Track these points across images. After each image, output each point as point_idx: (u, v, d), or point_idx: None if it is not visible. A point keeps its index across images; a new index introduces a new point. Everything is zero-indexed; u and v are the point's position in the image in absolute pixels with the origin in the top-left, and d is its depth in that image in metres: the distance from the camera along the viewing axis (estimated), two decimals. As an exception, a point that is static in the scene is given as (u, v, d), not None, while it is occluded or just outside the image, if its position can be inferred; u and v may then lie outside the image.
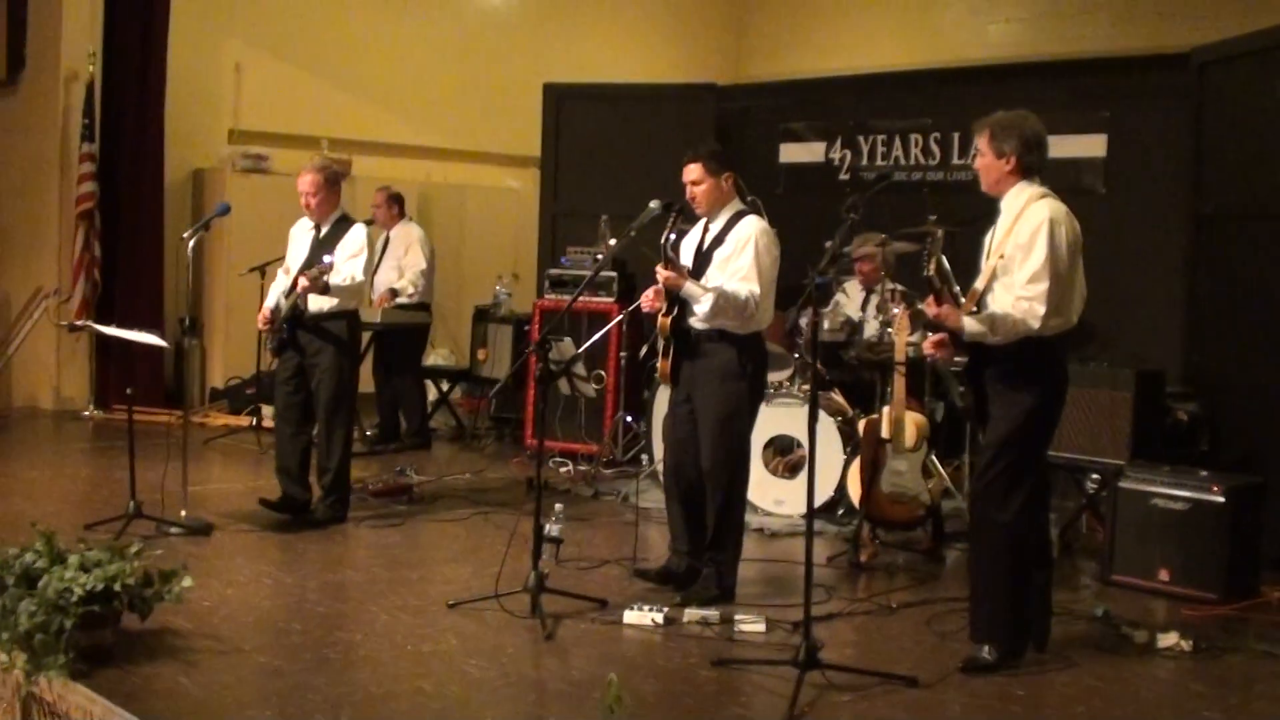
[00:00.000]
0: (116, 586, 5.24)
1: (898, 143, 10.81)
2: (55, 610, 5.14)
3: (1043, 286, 5.43)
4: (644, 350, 8.94)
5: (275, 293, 8.08)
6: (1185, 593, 6.85)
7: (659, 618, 6.09)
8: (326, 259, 7.67)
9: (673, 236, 6.43)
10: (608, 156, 11.18)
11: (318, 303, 7.78)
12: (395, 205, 11.07)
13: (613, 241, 6.84)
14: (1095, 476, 7.99)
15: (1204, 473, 7.03)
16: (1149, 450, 7.60)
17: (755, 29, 14.95)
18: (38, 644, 5.11)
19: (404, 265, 10.91)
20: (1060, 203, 5.60)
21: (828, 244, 5.59)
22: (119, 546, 5.53)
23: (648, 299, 6.64)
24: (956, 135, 10.52)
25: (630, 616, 6.11)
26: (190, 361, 12.23)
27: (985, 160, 5.70)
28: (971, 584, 5.86)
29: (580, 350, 6.97)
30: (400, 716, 4.87)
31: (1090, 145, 9.70)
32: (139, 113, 11.90)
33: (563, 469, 9.86)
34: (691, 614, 6.15)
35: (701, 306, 6.37)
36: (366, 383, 11.19)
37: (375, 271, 10.94)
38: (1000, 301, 5.55)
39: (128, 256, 11.93)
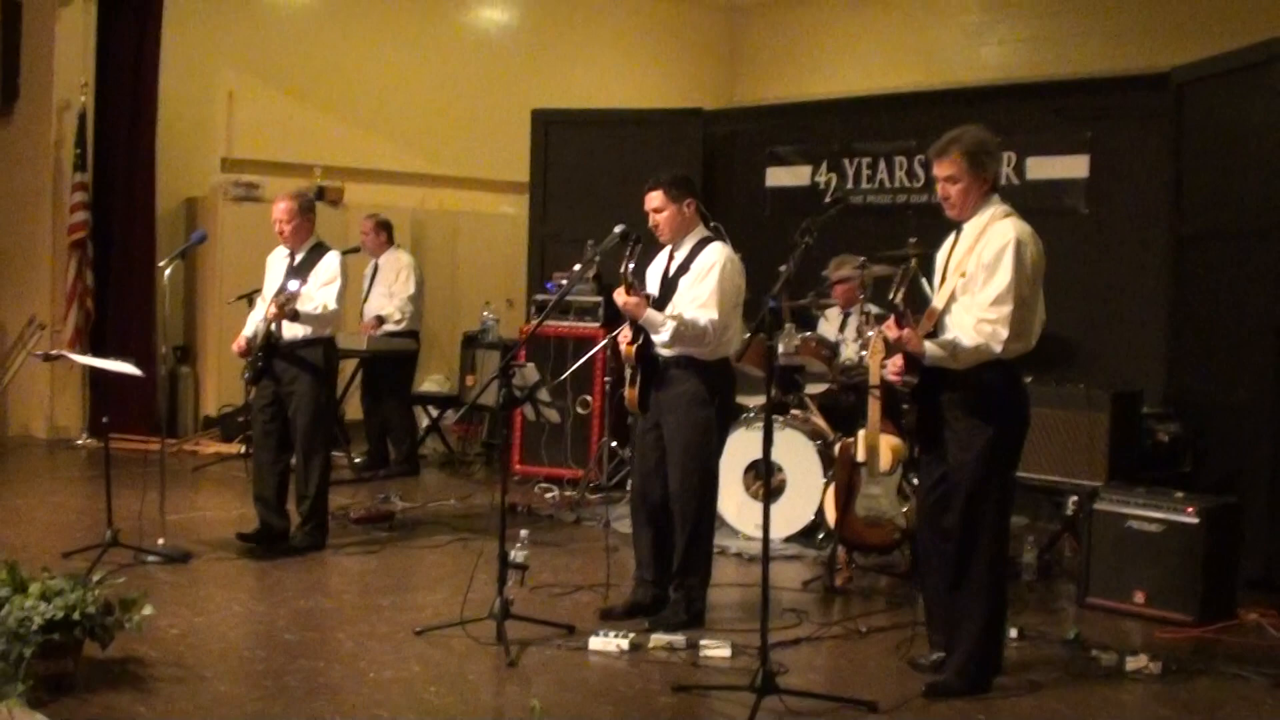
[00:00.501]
0: (76, 615, 5.25)
1: (882, 165, 10.79)
2: (15, 639, 5.15)
3: (1007, 309, 5.39)
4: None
5: (252, 321, 8.09)
6: (1160, 615, 6.83)
7: (624, 644, 6.07)
8: (292, 285, 7.68)
9: (632, 265, 6.42)
10: (595, 182, 11.21)
11: (292, 330, 7.78)
12: (384, 232, 11.10)
13: (577, 267, 6.86)
14: (1074, 498, 7.96)
15: (1179, 494, 7.01)
16: (1127, 472, 7.59)
17: (747, 53, 14.98)
18: (-3, 672, 5.13)
19: (394, 291, 10.92)
20: (1024, 221, 5.56)
21: (781, 268, 5.56)
22: (80, 575, 5.55)
23: (625, 339, 6.64)
24: (939, 158, 10.50)
25: (595, 643, 6.09)
26: (184, 389, 12.31)
27: (963, 183, 5.57)
28: (929, 608, 5.84)
29: (543, 376, 6.95)
30: (353, 744, 4.87)
31: (1073, 166, 9.68)
32: (131, 142, 11.96)
33: (548, 494, 9.85)
34: (657, 639, 6.14)
35: (662, 335, 6.37)
36: (356, 410, 11.26)
37: (365, 299, 10.97)
38: (959, 321, 5.50)
39: (120, 285, 11.98)
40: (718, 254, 6.49)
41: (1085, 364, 9.04)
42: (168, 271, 7.88)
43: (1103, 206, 9.58)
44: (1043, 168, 9.78)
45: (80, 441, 11.77)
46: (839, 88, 12.62)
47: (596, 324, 10.13)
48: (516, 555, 6.27)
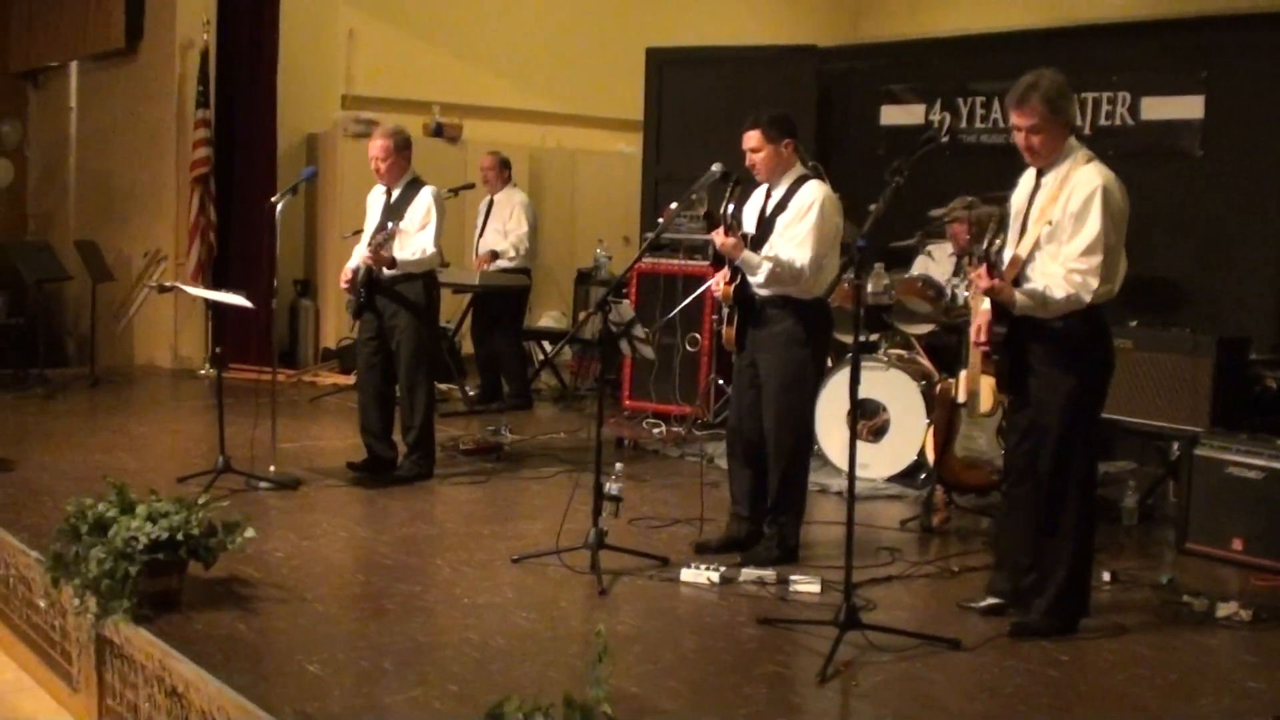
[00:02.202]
0: (180, 536, 5.44)
1: (996, 105, 10.67)
2: (121, 557, 5.36)
3: (1098, 259, 5.35)
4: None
5: (357, 254, 8.20)
6: (1258, 562, 6.75)
7: (715, 576, 6.16)
8: (390, 225, 7.81)
9: (731, 206, 6.46)
10: (709, 120, 11.20)
11: (389, 270, 7.90)
12: (505, 170, 11.19)
13: (673, 205, 6.89)
14: (1177, 444, 7.88)
15: (1280, 441, 6.92)
16: (1232, 418, 7.49)
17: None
18: (105, 589, 5.34)
19: (509, 229, 11.04)
20: (1107, 167, 5.51)
21: (871, 207, 5.56)
22: (187, 498, 5.75)
23: (723, 278, 6.68)
24: (1053, 97, 10.36)
25: (687, 574, 6.19)
26: (304, 322, 12.58)
27: (1047, 133, 5.49)
28: (1012, 551, 5.84)
29: (653, 313, 7.02)
30: (441, 664, 5.00)
31: (1188, 107, 9.50)
32: (252, 79, 12.20)
33: (655, 430, 9.95)
34: (748, 574, 6.22)
35: (758, 276, 6.41)
36: (469, 344, 11.44)
37: (480, 234, 11.08)
38: (1045, 270, 5.46)
39: (241, 220, 12.25)
40: (815, 192, 6.50)
41: (1195, 309, 8.91)
42: (280, 206, 8.03)
43: (1217, 149, 9.40)
44: (1157, 108, 9.61)
45: (203, 371, 12.09)
46: (956, 25, 12.46)
47: (706, 262, 10.15)
48: (611, 487, 6.37)
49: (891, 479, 8.48)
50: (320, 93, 12.84)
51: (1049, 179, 5.56)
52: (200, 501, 5.71)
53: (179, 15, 11.99)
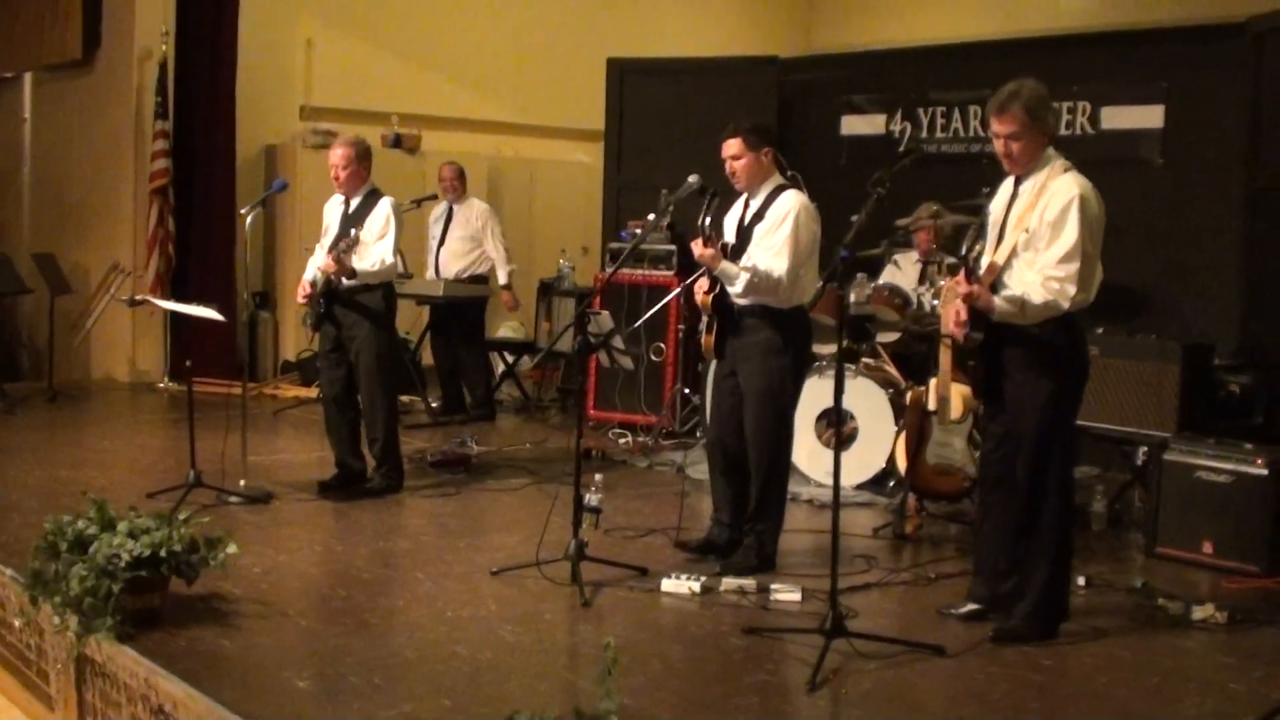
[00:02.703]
0: (163, 552, 5.41)
1: (957, 114, 10.77)
2: (104, 575, 5.31)
3: (1074, 266, 5.41)
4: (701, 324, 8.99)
5: (313, 266, 8.15)
6: (1228, 565, 6.83)
7: (696, 586, 6.18)
8: (352, 232, 7.78)
9: (708, 218, 6.50)
10: (670, 130, 11.25)
11: (349, 279, 7.88)
12: (463, 180, 11.17)
13: (651, 216, 6.92)
14: (1144, 449, 7.98)
15: (1248, 445, 6.99)
16: (1198, 423, 7.59)
17: (820, 0, 14.91)
18: (87, 607, 5.29)
19: (487, 243, 10.97)
20: (1082, 175, 5.57)
21: (853, 218, 5.61)
22: (167, 514, 5.71)
23: (701, 288, 6.71)
24: (1015, 107, 10.46)
25: (668, 585, 6.20)
26: (263, 334, 12.51)
27: (1026, 140, 5.53)
28: (990, 557, 5.89)
29: (618, 323, 7.03)
30: (432, 679, 4.99)
31: (1148, 116, 9.62)
32: (211, 90, 12.15)
33: (621, 440, 9.98)
34: (728, 583, 6.24)
35: (736, 286, 6.44)
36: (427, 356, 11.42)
37: (441, 244, 11.03)
38: (1022, 278, 5.51)
39: (200, 232, 12.20)
40: (792, 202, 6.53)
41: (1157, 315, 9.02)
42: (250, 219, 8.00)
43: (1177, 158, 9.52)
44: (1117, 118, 9.73)
45: (161, 385, 12.02)
46: (913, 36, 12.56)
47: (670, 272, 10.20)
48: (591, 499, 6.39)
49: (860, 486, 8.53)
50: (278, 104, 12.80)
51: (1026, 187, 5.61)
52: (181, 517, 5.68)
53: (138, 25, 11.92)
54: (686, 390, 10.07)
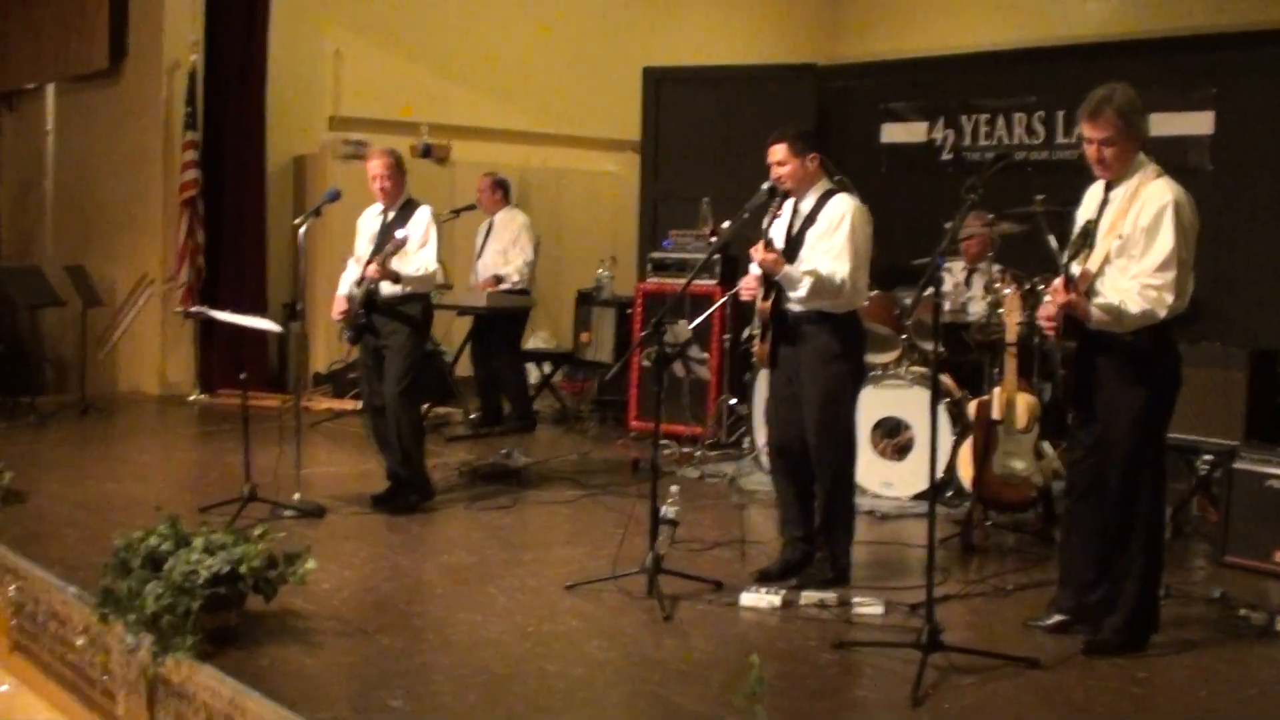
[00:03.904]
0: (242, 569, 5.32)
1: (1001, 122, 10.72)
2: (181, 593, 5.22)
3: (1171, 275, 5.34)
4: (746, 333, 8.89)
5: (346, 281, 8.07)
6: (1300, 575, 6.78)
7: (776, 600, 6.09)
8: (400, 233, 7.69)
9: (774, 221, 6.39)
10: (707, 139, 11.18)
11: (389, 289, 7.80)
12: (499, 191, 11.12)
13: (726, 225, 6.81)
14: (1208, 457, 7.90)
15: (1320, 453, 6.94)
16: (1263, 431, 7.52)
17: (849, 7, 14.82)
18: (165, 625, 5.20)
19: (510, 253, 10.93)
20: (1176, 182, 5.50)
21: (947, 225, 5.53)
22: (243, 529, 5.62)
23: (748, 288, 6.61)
24: (1060, 114, 10.42)
25: (747, 599, 6.12)
26: (293, 346, 12.39)
27: (1119, 145, 5.46)
28: (1077, 568, 5.81)
29: (693, 332, 6.96)
30: (526, 697, 4.91)
31: (1197, 122, 9.57)
32: (241, 100, 12.05)
33: (666, 451, 9.88)
34: (808, 597, 6.15)
35: (799, 291, 6.32)
36: (466, 367, 11.33)
37: (479, 256, 10.99)
38: (1115, 284, 5.43)
39: (231, 243, 12.10)
40: (846, 205, 6.44)
41: (1211, 322, 8.89)
42: (302, 230, 7.92)
43: (1228, 164, 9.46)
44: (1166, 124, 9.62)
45: (192, 398, 11.91)
46: (954, 42, 12.47)
47: (713, 281, 10.11)
48: (668, 511, 6.30)
49: (918, 496, 8.44)
50: (307, 114, 12.69)
51: (1118, 193, 5.53)
52: (257, 533, 5.59)
53: (166, 36, 11.81)
54: (734, 401, 9.97)
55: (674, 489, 6.52)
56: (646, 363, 10.32)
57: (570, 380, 12.41)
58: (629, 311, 10.81)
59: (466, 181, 11.92)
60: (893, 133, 11.30)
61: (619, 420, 11.08)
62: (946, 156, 11.09)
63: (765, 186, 6.51)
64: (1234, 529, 7.06)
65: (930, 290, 5.47)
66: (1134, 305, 5.35)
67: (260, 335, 11.34)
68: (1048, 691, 5.15)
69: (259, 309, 11.37)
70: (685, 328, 6.64)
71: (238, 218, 12.10)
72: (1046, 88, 10.54)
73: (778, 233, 6.62)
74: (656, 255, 10.53)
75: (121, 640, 5.48)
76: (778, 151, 6.52)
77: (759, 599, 6.11)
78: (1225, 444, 7.38)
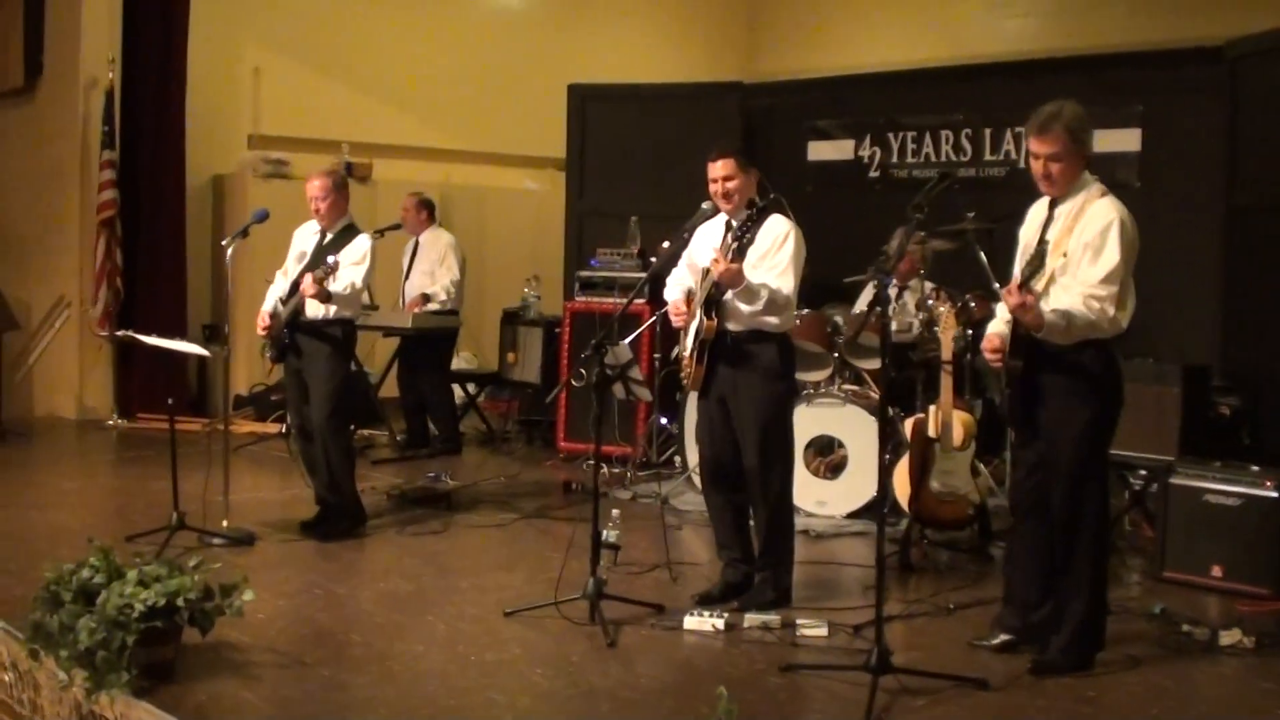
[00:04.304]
0: (180, 601, 5.18)
1: (928, 139, 10.75)
2: (116, 626, 5.07)
3: (1115, 288, 5.35)
4: (675, 353, 8.83)
5: (272, 297, 7.95)
6: (1238, 588, 6.81)
7: (719, 624, 6.04)
8: (331, 259, 7.56)
9: (732, 242, 6.29)
10: (633, 157, 11.12)
11: (316, 309, 7.66)
12: (425, 210, 11.01)
13: (665, 245, 6.73)
14: (1142, 473, 7.96)
15: (1255, 468, 6.99)
16: (1196, 446, 7.58)
17: (773, 25, 14.82)
18: (100, 661, 5.04)
19: (437, 273, 10.84)
20: (1120, 201, 5.52)
21: (889, 244, 5.51)
22: (175, 560, 5.49)
23: (679, 314, 6.53)
24: (988, 131, 10.47)
25: (690, 622, 6.06)
26: (214, 368, 12.19)
27: (1066, 162, 5.49)
28: (1021, 586, 5.81)
29: (635, 354, 6.87)
30: (476, 729, 4.83)
31: (1124, 139, 9.64)
32: (159, 119, 11.84)
33: (598, 472, 9.81)
34: (751, 619, 6.10)
35: (755, 304, 6.23)
36: (392, 388, 11.19)
37: (406, 277, 10.89)
38: (1059, 301, 5.41)
39: (149, 264, 11.88)
40: (787, 224, 6.38)
41: (1141, 339, 8.98)
42: (230, 250, 7.78)
43: (1155, 180, 9.54)
44: (1094, 141, 9.73)
45: (110, 422, 11.68)
46: (881, 60, 12.50)
47: (642, 300, 10.04)
48: (609, 535, 6.24)
49: (851, 515, 8.43)
50: (226, 133, 12.50)
51: (1063, 210, 5.55)
52: (192, 564, 5.45)
53: (83, 53, 11.55)
54: (664, 420, 9.91)
55: (615, 513, 6.47)
56: (576, 383, 10.25)
57: (493, 401, 12.29)
58: (557, 331, 10.72)
59: (388, 200, 11.80)
60: (819, 150, 11.30)
61: (546, 441, 10.99)
62: (874, 174, 11.10)
63: (706, 205, 6.45)
64: (1171, 544, 7.10)
65: (878, 310, 5.44)
66: (1083, 315, 5.35)
67: (180, 358, 11.22)
68: (999, 712, 5.14)
69: (178, 331, 11.15)
70: (625, 349, 6.54)
71: (156, 238, 11.88)
72: (974, 105, 10.59)
73: (703, 251, 6.51)
74: (584, 274, 10.45)
75: (53, 676, 5.32)
76: (726, 166, 6.42)
77: (702, 622, 6.05)
78: (1160, 459, 7.43)
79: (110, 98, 11.54)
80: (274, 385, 11.43)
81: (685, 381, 6.67)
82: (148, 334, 8.35)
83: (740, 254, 6.34)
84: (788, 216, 6.45)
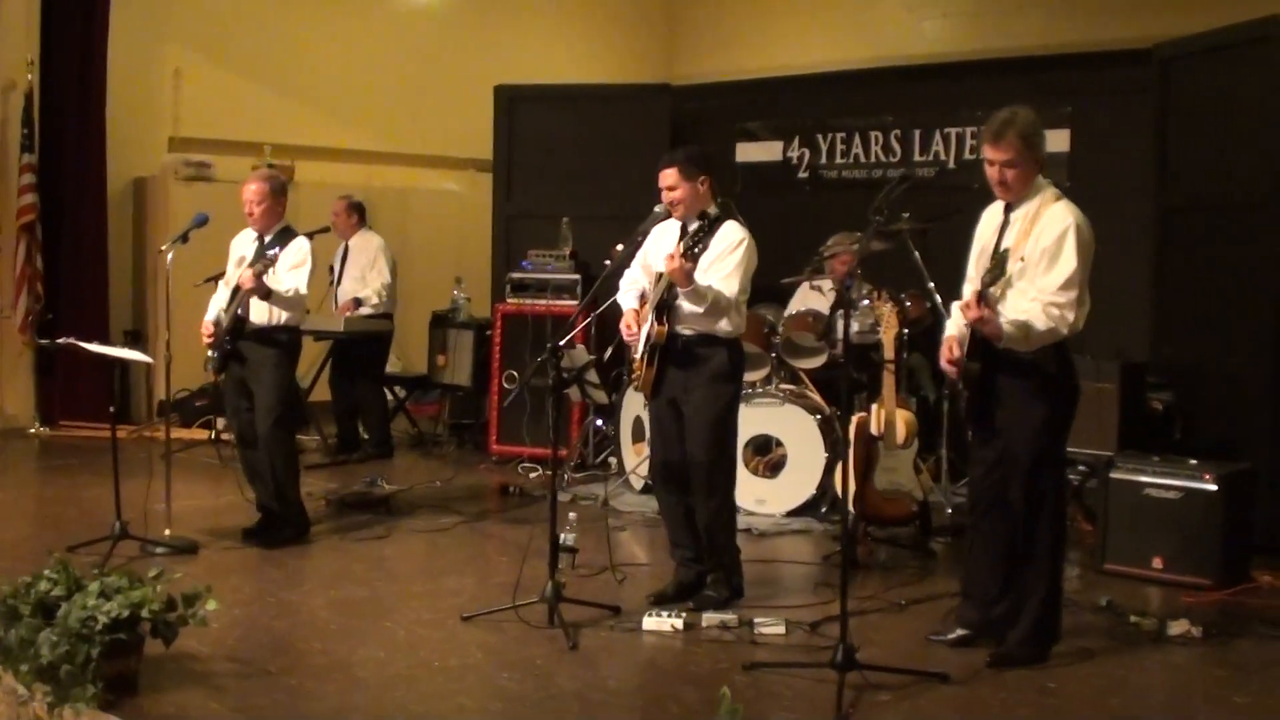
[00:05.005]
0: (144, 613, 5.13)
1: (857, 140, 10.87)
2: (80, 640, 5.01)
3: (1074, 294, 5.46)
4: (608, 352, 8.83)
5: (215, 306, 7.88)
6: (1179, 579, 6.97)
7: (678, 623, 6.08)
8: (270, 252, 7.51)
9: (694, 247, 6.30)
10: (561, 158, 11.09)
11: (261, 314, 7.61)
12: (355, 214, 10.96)
13: (619, 247, 6.72)
14: (1081, 468, 8.10)
15: (1193, 461, 7.14)
16: (1134, 441, 7.73)
17: (700, 27, 14.81)
18: (64, 675, 4.96)
19: (368, 276, 10.78)
20: (1074, 205, 5.63)
21: (854, 246, 5.58)
22: (131, 571, 5.43)
23: (629, 328, 6.56)
24: (917, 132, 10.61)
25: (650, 623, 6.10)
26: (136, 374, 12.02)
27: (1020, 168, 5.59)
28: (981, 582, 5.90)
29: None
30: (450, 735, 4.82)
31: (1054, 140, 9.69)
32: (79, 121, 11.62)
33: (532, 474, 9.83)
34: (709, 618, 6.15)
35: (701, 306, 6.25)
36: (321, 392, 11.10)
37: (337, 282, 10.81)
38: (1016, 305, 5.52)
39: (70, 268, 11.66)
40: (741, 232, 6.43)
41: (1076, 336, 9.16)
42: (170, 255, 7.69)
43: (1085, 180, 9.68)
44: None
45: (32, 430, 11.48)
46: (809, 62, 12.56)
47: (574, 301, 10.08)
48: (567, 538, 6.25)
49: (790, 513, 8.50)
50: (146, 135, 12.28)
51: (1018, 215, 5.64)
52: (152, 574, 5.40)
53: (1, 55, 11.34)
54: (599, 422, 9.93)
55: (571, 516, 6.47)
56: (508, 385, 10.26)
57: (418, 404, 12.23)
58: (488, 333, 10.68)
59: (311, 203, 11.64)
60: (748, 152, 11.37)
61: (477, 444, 10.97)
62: (802, 175, 11.20)
63: (659, 209, 6.47)
64: (1112, 537, 7.26)
65: (839, 311, 5.51)
66: (1040, 323, 5.44)
67: (103, 364, 11.04)
68: (964, 705, 5.23)
69: (100, 336, 10.95)
70: (583, 352, 6.56)
71: (77, 242, 11.66)
72: (903, 107, 10.72)
73: (658, 252, 6.54)
74: (516, 276, 10.44)
75: (11, 692, 5.23)
76: (668, 175, 6.46)
77: (661, 623, 6.09)
78: (1100, 455, 7.57)
79: (29, 100, 11.32)
80: (197, 391, 11.32)
81: (636, 385, 6.69)
82: (70, 339, 8.18)
83: (692, 261, 6.37)
84: (742, 226, 6.48)
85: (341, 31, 13.31)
